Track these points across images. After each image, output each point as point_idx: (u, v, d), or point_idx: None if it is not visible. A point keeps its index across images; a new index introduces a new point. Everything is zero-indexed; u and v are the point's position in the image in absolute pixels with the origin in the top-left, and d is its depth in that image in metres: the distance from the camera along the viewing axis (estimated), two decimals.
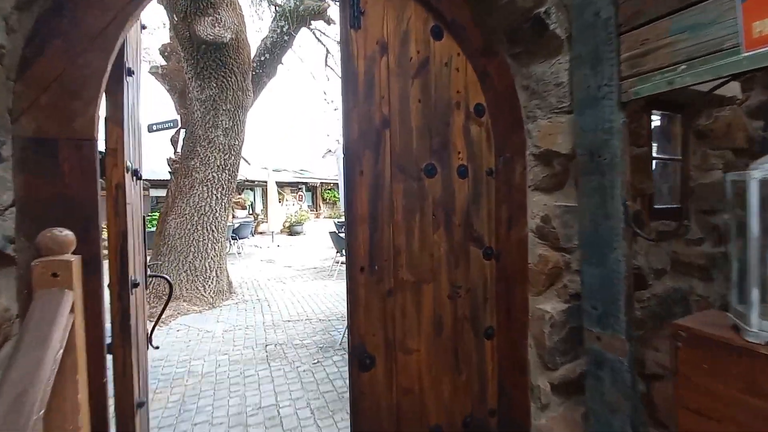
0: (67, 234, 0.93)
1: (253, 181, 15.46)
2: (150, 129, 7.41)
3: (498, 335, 1.81)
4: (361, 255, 1.52)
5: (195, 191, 4.91)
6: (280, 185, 16.07)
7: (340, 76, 1.54)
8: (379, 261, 1.55)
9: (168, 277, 1.94)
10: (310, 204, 22.13)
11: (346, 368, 3.53)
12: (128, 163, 1.50)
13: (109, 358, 1.33)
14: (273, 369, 3.25)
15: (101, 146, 1.23)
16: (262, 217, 17.17)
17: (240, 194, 15.70)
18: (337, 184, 24.04)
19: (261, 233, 15.80)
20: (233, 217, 14.39)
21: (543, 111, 1.73)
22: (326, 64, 10.45)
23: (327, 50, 10.07)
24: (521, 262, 1.75)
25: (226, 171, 5.01)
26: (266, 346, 3.81)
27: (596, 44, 1.38)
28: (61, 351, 0.81)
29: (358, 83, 1.51)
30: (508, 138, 1.79)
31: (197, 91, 4.65)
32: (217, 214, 5.14)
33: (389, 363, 1.58)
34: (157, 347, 2.44)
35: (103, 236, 1.28)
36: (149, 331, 1.96)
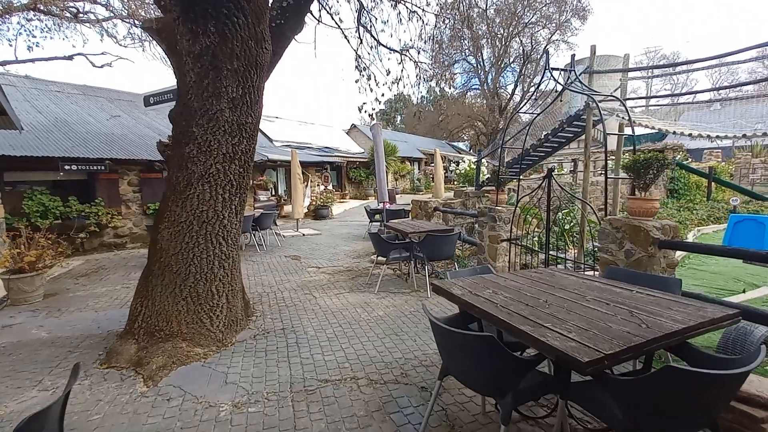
0: None
1: (275, 162, 14.00)
2: (146, 102, 5.94)
3: None
4: None
5: (193, 191, 3.43)
6: (305, 165, 14.57)
7: None
8: None
9: None
10: (335, 183, 20.65)
11: None
12: None
13: None
14: None
15: None
16: (286, 198, 15.85)
17: (262, 175, 14.32)
18: (363, 163, 22.39)
19: (285, 216, 14.51)
20: (254, 200, 13.09)
21: None
22: (359, 23, 8.63)
23: (360, 4, 8.23)
24: None
25: (236, 161, 3.49)
26: None
27: None
28: None
29: None
30: None
31: (188, 41, 3.08)
32: (226, 221, 3.66)
33: None
34: None
35: None
36: None
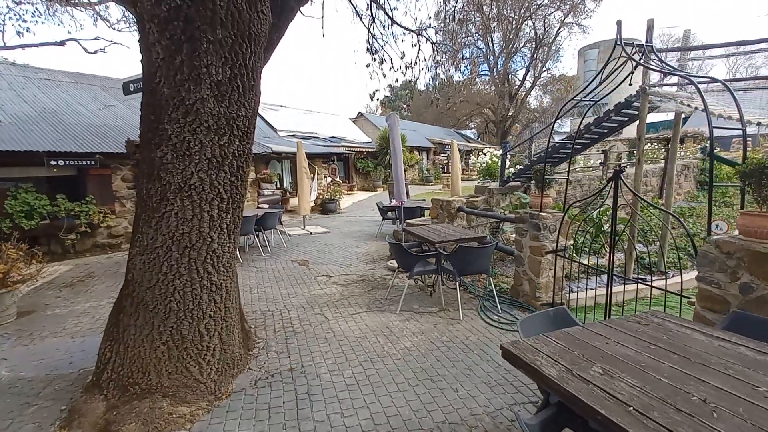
0: None
1: (280, 153, 13.09)
2: (126, 89, 5.04)
3: None
4: None
5: (170, 207, 2.56)
6: (311, 156, 13.66)
7: None
8: None
9: None
10: (342, 175, 19.72)
11: None
12: None
13: None
14: None
15: None
16: (291, 191, 14.99)
17: (266, 168, 13.43)
18: (371, 153, 21.41)
19: (290, 211, 13.66)
20: (258, 194, 12.24)
21: None
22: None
23: None
24: None
25: (226, 167, 2.61)
26: None
27: None
28: None
29: None
30: None
31: (148, 1, 2.18)
32: (215, 245, 2.80)
33: None
34: None
35: None
36: None
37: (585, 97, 4.64)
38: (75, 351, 3.94)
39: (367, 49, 8.11)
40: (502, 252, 5.42)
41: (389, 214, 9.60)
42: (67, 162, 8.11)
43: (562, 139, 6.92)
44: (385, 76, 8.20)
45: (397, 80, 8.63)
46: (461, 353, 3.68)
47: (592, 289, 5.23)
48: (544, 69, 33.80)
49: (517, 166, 9.50)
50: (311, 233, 9.91)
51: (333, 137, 20.36)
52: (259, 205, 11.89)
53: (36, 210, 7.70)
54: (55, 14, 14.39)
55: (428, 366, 3.46)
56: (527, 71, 34.09)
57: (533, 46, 32.31)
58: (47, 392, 3.20)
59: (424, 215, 9.20)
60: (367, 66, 8.44)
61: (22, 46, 13.91)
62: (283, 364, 3.53)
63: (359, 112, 26.88)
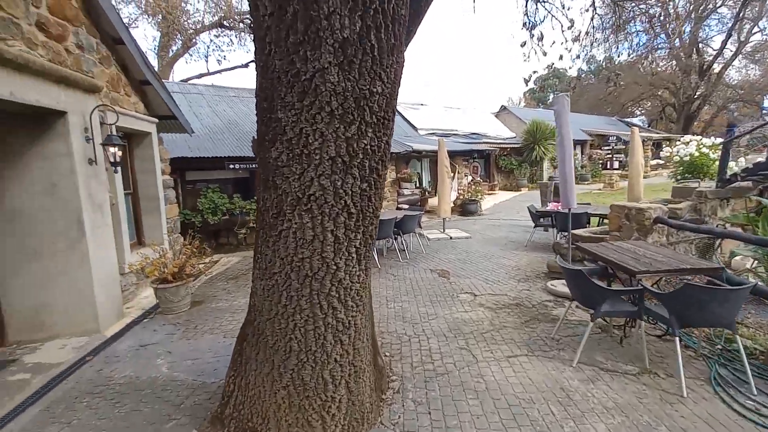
0: None
1: (420, 152, 12.49)
2: None
3: None
4: None
5: (287, 224, 1.93)
6: (451, 154, 12.66)
7: None
8: None
9: None
10: (483, 173, 18.15)
11: None
12: None
13: None
14: None
15: None
16: (430, 190, 14.29)
17: (406, 167, 13.04)
18: (515, 149, 19.21)
19: (429, 211, 12.96)
20: (398, 194, 11.87)
21: None
22: None
23: None
24: None
25: (354, 170, 1.83)
26: None
27: None
28: None
29: None
30: None
31: None
32: (342, 274, 2.07)
33: None
34: None
35: None
36: None
37: None
38: (222, 355, 3.86)
39: (524, 24, 6.66)
40: (760, 296, 3.41)
41: (542, 220, 7.92)
42: (241, 166, 9.07)
43: None
44: (545, 54, 6.60)
45: (561, 57, 6.92)
46: None
47: None
48: (753, 31, 25.08)
49: (740, 161, 6.57)
50: (451, 237, 8.95)
51: (474, 133, 18.95)
52: (399, 206, 11.53)
53: (219, 207, 8.78)
54: (243, 43, 16.83)
55: None
56: (728, 36, 25.84)
57: (738, 2, 24.20)
58: (187, 405, 3.04)
59: (589, 224, 7.24)
60: (523, 45, 6.98)
61: (219, 71, 16.90)
62: (422, 424, 2.65)
63: (502, 106, 24.63)
